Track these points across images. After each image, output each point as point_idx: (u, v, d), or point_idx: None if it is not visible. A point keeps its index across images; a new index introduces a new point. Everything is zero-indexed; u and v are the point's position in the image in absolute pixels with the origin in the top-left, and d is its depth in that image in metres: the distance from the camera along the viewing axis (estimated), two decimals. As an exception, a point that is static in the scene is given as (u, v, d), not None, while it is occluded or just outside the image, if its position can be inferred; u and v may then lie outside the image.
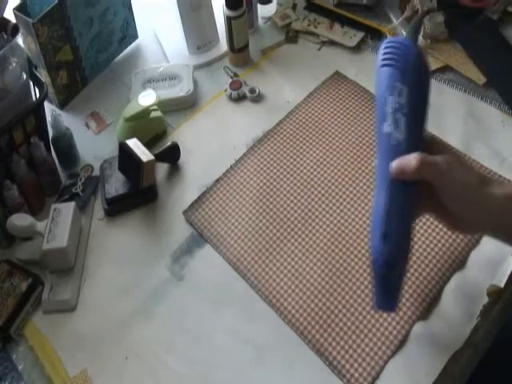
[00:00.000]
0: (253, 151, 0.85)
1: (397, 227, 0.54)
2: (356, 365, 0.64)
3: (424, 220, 0.75)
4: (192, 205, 0.80)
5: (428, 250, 0.72)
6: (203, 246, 0.77)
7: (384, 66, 0.56)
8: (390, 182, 0.54)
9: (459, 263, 0.71)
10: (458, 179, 0.53)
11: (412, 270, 0.70)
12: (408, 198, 0.55)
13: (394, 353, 0.64)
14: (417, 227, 0.74)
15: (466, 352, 0.65)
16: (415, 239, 0.73)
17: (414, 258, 0.71)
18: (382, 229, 0.53)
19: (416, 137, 0.55)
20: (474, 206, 0.54)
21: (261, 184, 0.81)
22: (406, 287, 0.69)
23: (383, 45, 0.57)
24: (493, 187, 0.54)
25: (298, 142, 0.85)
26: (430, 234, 0.73)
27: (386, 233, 0.53)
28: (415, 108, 0.54)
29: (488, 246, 0.72)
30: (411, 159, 0.53)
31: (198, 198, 0.81)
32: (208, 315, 0.71)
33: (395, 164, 0.53)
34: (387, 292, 0.57)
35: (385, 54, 0.56)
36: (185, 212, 0.79)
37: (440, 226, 0.74)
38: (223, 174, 0.83)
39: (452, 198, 0.54)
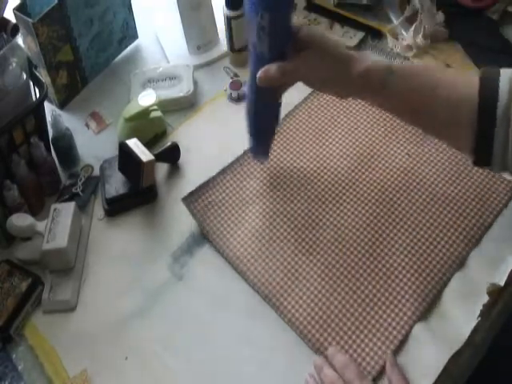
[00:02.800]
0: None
1: (261, 126, 0.73)
2: (359, 360, 0.64)
3: (424, 220, 0.75)
4: (192, 193, 0.79)
5: (428, 250, 0.72)
6: (203, 245, 0.77)
7: None
8: (256, 85, 0.65)
9: (459, 263, 0.71)
10: (315, 77, 0.63)
11: (412, 271, 0.70)
12: (271, 100, 0.70)
13: (395, 353, 0.64)
14: (417, 227, 0.74)
15: (466, 352, 0.65)
16: (415, 240, 0.73)
17: (414, 259, 0.71)
18: (250, 128, 0.73)
19: (279, 49, 0.63)
20: (335, 90, 0.65)
21: (260, 183, 0.81)
22: (406, 288, 0.69)
23: None
24: (350, 68, 0.61)
25: (299, 140, 0.85)
26: (429, 236, 0.73)
27: (252, 132, 0.74)
28: (276, 29, 0.60)
29: (488, 245, 0.72)
30: (272, 70, 0.62)
31: (199, 186, 0.80)
32: (208, 315, 0.71)
33: (259, 74, 0.63)
34: (259, 145, 0.77)
35: None
36: (184, 199, 0.79)
37: (440, 226, 0.74)
38: (229, 164, 0.83)
39: (311, 86, 0.66)
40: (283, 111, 0.89)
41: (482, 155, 0.57)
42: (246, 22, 0.63)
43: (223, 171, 0.82)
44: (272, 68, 0.62)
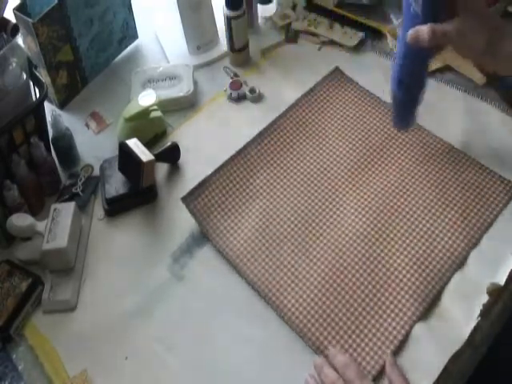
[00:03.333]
0: (253, 145, 0.84)
1: (410, 78, 0.70)
2: (359, 360, 0.64)
3: (424, 221, 0.75)
4: (191, 192, 0.79)
5: (428, 250, 0.72)
6: (203, 245, 0.77)
7: None
8: (405, 46, 0.66)
9: (459, 263, 0.71)
10: (467, 44, 0.63)
11: (412, 271, 0.70)
12: (422, 57, 0.68)
13: (395, 352, 0.64)
14: (417, 227, 0.74)
15: (466, 352, 0.65)
16: (415, 240, 0.73)
17: (414, 259, 0.71)
18: (398, 77, 0.70)
19: (433, 11, 0.63)
20: (485, 61, 0.65)
21: (260, 183, 0.81)
22: (405, 288, 0.69)
23: None
24: (503, 42, 0.62)
25: (298, 138, 0.85)
26: (429, 236, 0.73)
27: (400, 81, 0.70)
28: None
29: (488, 245, 0.72)
30: (424, 30, 0.62)
31: (198, 185, 0.79)
32: (208, 315, 0.71)
33: (410, 33, 0.64)
34: (404, 117, 0.77)
35: None
36: (184, 198, 0.78)
37: (440, 226, 0.74)
38: (223, 164, 0.82)
39: (466, 56, 0.67)
40: (282, 108, 0.89)
41: None
42: None
43: (221, 169, 0.81)
44: (423, 29, 0.63)
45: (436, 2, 0.63)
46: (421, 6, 0.62)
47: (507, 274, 0.69)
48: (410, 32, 0.64)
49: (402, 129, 0.82)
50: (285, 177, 0.81)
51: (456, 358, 0.63)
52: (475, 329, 0.66)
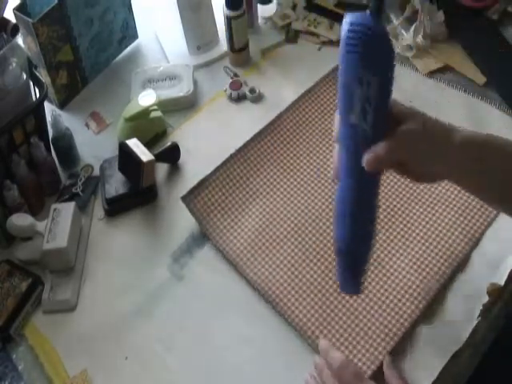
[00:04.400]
0: (253, 144, 0.84)
1: (358, 236, 0.53)
2: (356, 360, 0.64)
3: (423, 222, 0.75)
4: (191, 191, 0.79)
5: (428, 251, 0.72)
6: (203, 245, 0.77)
7: (349, 52, 0.48)
8: (357, 173, 0.51)
9: (460, 263, 0.71)
10: (418, 150, 0.52)
11: (412, 271, 0.70)
12: (374, 187, 0.53)
13: (395, 352, 0.64)
14: (416, 227, 0.74)
15: (466, 352, 0.65)
16: (415, 241, 0.73)
17: (414, 260, 0.71)
18: (342, 239, 0.53)
19: (383, 125, 0.51)
20: (436, 164, 0.54)
21: (260, 182, 0.81)
22: (405, 288, 0.69)
23: (345, 26, 0.47)
24: (451, 136, 0.53)
25: (297, 137, 0.85)
26: (429, 236, 0.73)
27: (345, 246, 0.53)
28: (383, 98, 0.50)
29: (488, 245, 0.72)
30: (381, 150, 0.50)
31: (198, 184, 0.79)
32: (208, 315, 0.71)
33: (368, 157, 0.50)
34: (352, 278, 0.56)
35: (349, 38, 0.47)
36: (183, 198, 0.78)
37: (440, 226, 0.74)
38: (222, 162, 0.81)
39: (419, 166, 0.54)
40: (282, 108, 0.89)
41: None
42: (339, 91, 0.50)
43: (221, 167, 0.81)
44: (380, 148, 0.50)
45: (384, 114, 0.50)
46: (371, 121, 0.49)
47: (507, 274, 0.69)
48: (367, 156, 0.50)
49: (353, 293, 0.67)
50: (285, 176, 0.81)
51: (456, 358, 0.63)
52: (475, 329, 0.66)
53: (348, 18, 0.47)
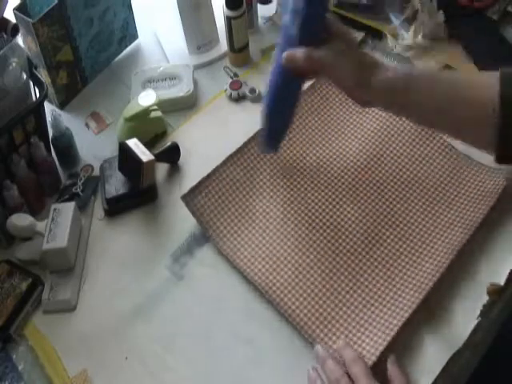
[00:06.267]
0: (253, 143, 0.83)
1: (280, 112, 0.70)
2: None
3: (424, 223, 0.75)
4: (191, 190, 0.78)
5: (426, 251, 0.72)
6: (203, 245, 0.77)
7: None
8: (280, 67, 0.65)
9: (460, 262, 0.71)
10: (339, 73, 0.63)
11: (412, 268, 0.70)
12: (294, 84, 0.68)
13: (395, 352, 0.64)
14: (416, 227, 0.74)
15: (466, 352, 0.65)
16: (415, 240, 0.73)
17: (414, 258, 0.71)
18: (265, 104, 0.70)
19: (309, 35, 0.62)
20: (356, 93, 0.64)
21: (260, 182, 0.81)
22: (402, 287, 0.69)
23: None
24: (374, 75, 0.61)
25: (298, 136, 0.85)
26: (429, 234, 0.73)
27: (269, 107, 0.70)
28: (311, 12, 0.60)
29: (488, 245, 0.72)
30: (299, 53, 0.62)
31: (198, 183, 0.79)
32: (208, 315, 0.71)
33: (286, 54, 0.64)
34: (268, 139, 0.75)
35: None
36: (183, 197, 0.78)
37: (440, 225, 0.74)
38: (222, 162, 0.81)
39: (336, 85, 0.65)
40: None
41: (505, 153, 0.58)
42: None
43: (221, 167, 0.81)
44: (299, 51, 0.63)
45: (311, 26, 0.62)
46: (298, 29, 0.62)
47: (507, 274, 0.69)
48: (286, 53, 0.64)
49: (268, 153, 0.81)
50: (285, 175, 0.81)
51: (456, 358, 0.64)
52: (475, 329, 0.66)
53: None
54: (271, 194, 0.79)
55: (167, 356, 0.68)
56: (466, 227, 0.73)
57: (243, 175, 0.81)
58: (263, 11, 1.04)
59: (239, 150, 0.83)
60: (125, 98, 0.94)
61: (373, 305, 0.68)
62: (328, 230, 0.75)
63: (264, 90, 0.71)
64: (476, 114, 0.59)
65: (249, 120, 0.89)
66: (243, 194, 0.80)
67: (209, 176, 0.80)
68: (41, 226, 0.75)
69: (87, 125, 0.94)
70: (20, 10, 0.83)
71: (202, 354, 0.68)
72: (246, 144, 0.83)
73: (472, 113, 0.59)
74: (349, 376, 0.60)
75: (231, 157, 0.82)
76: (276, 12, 1.04)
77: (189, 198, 0.78)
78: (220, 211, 0.78)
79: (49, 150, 0.85)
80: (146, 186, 0.80)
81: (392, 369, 0.62)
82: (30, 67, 0.81)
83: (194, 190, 0.79)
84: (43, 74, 0.89)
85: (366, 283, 0.70)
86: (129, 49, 1.04)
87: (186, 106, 0.94)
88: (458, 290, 0.69)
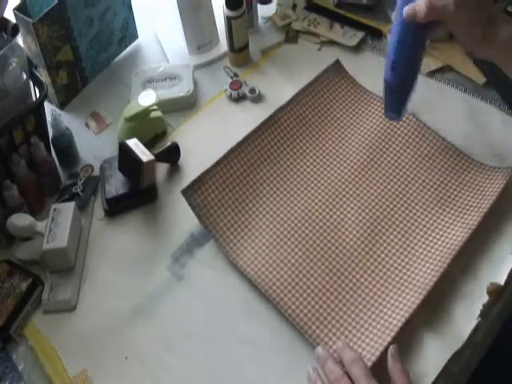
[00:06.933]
0: (253, 138, 0.83)
1: (405, 61, 0.67)
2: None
3: (424, 223, 0.75)
4: (191, 185, 0.78)
5: (426, 251, 0.72)
6: (203, 245, 0.77)
7: None
8: (403, 22, 0.64)
9: (460, 262, 0.71)
10: (464, 21, 0.62)
11: (412, 268, 0.70)
12: (417, 36, 0.66)
13: (393, 341, 0.64)
14: (416, 227, 0.74)
15: (466, 352, 0.65)
16: (415, 240, 0.73)
17: (414, 258, 0.71)
18: (391, 60, 0.68)
19: None
20: (478, 44, 0.64)
21: (260, 179, 0.80)
22: (403, 288, 0.69)
23: None
24: (499, 27, 0.62)
25: (297, 133, 0.85)
26: (429, 235, 0.73)
27: (394, 63, 0.68)
28: None
29: (489, 244, 0.72)
30: (421, 4, 0.61)
31: (198, 178, 0.78)
32: (208, 315, 0.71)
33: (407, 8, 0.63)
34: (396, 106, 0.73)
35: None
36: (184, 192, 0.77)
37: (440, 224, 0.74)
38: (222, 156, 0.81)
39: (459, 36, 0.65)
40: (279, 103, 0.88)
41: None
42: None
43: (221, 162, 0.80)
44: (420, 3, 0.61)
45: None
46: None
47: (507, 273, 0.69)
48: (407, 7, 0.62)
49: (394, 119, 0.78)
50: (287, 171, 0.81)
51: (456, 357, 0.64)
52: (475, 329, 0.66)
53: None
54: (274, 189, 0.79)
55: (167, 356, 0.68)
56: (466, 227, 0.73)
57: (243, 171, 0.81)
58: (263, 11, 1.05)
59: (239, 145, 0.82)
60: (125, 98, 0.94)
61: (373, 305, 0.68)
62: (328, 230, 0.75)
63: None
64: None
65: (249, 120, 0.89)
66: (243, 191, 0.79)
67: (209, 171, 0.80)
68: (41, 226, 0.75)
69: (87, 125, 0.94)
70: (20, 10, 0.83)
71: (202, 354, 0.68)
72: (246, 139, 0.83)
73: None
74: (349, 376, 0.60)
75: (231, 152, 0.81)
76: (276, 12, 1.04)
77: (189, 192, 0.78)
78: (220, 207, 0.77)
79: (49, 150, 0.85)
80: (145, 185, 0.80)
81: (392, 363, 0.61)
82: (30, 67, 0.81)
83: (194, 185, 0.78)
84: (43, 74, 0.89)
85: (366, 283, 0.70)
86: (129, 49, 1.04)
87: (185, 105, 0.94)
88: (458, 290, 0.69)
